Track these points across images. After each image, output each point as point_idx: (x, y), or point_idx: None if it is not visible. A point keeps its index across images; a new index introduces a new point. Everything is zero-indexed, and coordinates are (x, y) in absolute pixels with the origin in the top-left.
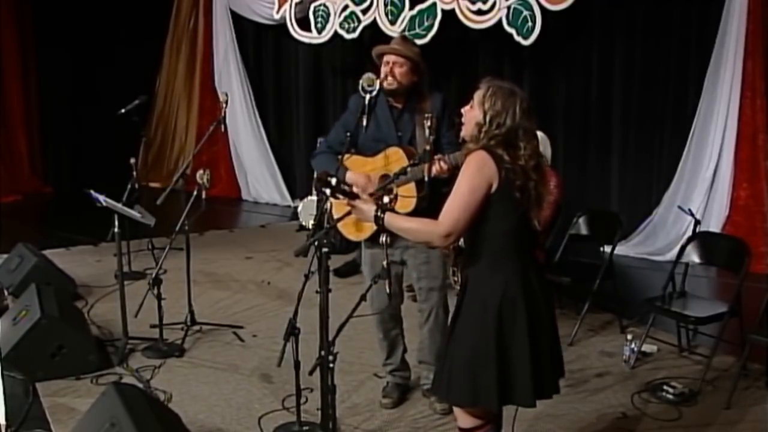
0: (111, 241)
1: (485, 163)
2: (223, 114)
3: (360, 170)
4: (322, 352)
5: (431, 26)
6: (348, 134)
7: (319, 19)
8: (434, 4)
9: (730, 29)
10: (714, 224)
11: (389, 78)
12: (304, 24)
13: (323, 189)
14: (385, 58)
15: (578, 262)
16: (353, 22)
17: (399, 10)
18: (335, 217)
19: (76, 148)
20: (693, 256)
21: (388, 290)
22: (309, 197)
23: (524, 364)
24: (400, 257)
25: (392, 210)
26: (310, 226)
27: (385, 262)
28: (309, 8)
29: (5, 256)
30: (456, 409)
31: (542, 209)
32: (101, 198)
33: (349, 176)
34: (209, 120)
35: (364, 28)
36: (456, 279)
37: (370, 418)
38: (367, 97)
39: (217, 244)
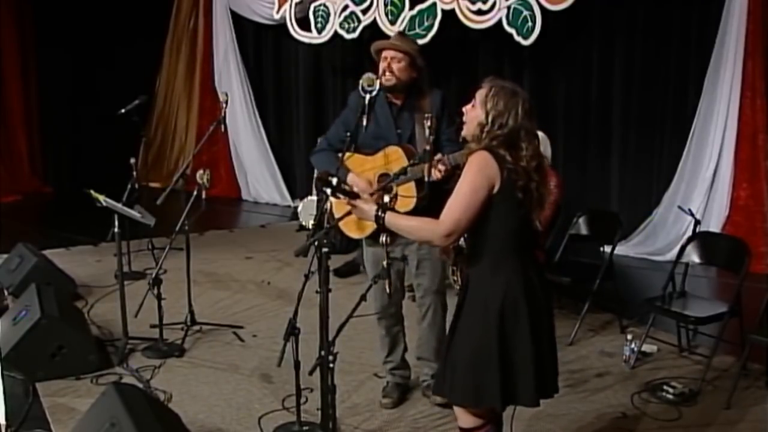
0: (111, 241)
1: (488, 163)
2: (223, 114)
3: (360, 169)
4: (322, 352)
5: (431, 26)
6: (348, 133)
7: (319, 19)
8: (434, 4)
9: (730, 29)
10: (714, 224)
11: (387, 73)
12: (304, 24)
13: (324, 188)
14: (383, 53)
15: (578, 262)
16: (353, 22)
17: (399, 10)
18: (336, 216)
19: (76, 148)
20: (693, 256)
21: (388, 290)
22: (309, 197)
23: (527, 363)
24: (401, 253)
25: (393, 209)
26: (310, 226)
27: (385, 262)
28: (309, 8)
29: (5, 256)
30: (457, 409)
31: (543, 209)
32: (101, 198)
33: (350, 178)
34: (209, 120)
35: (364, 28)
36: (456, 279)
37: (370, 418)
38: (367, 97)
39: (217, 244)
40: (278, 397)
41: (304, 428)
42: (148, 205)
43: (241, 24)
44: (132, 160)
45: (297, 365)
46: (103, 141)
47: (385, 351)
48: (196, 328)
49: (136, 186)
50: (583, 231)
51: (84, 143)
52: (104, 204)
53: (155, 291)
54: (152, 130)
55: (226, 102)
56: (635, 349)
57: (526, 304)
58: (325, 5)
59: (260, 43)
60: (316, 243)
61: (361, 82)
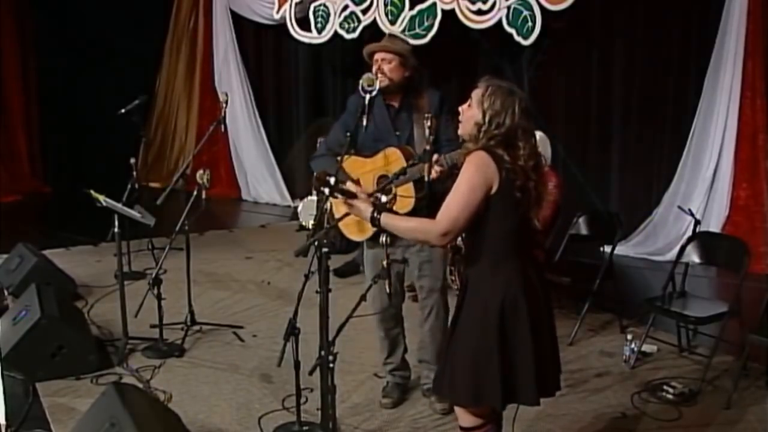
0: (111, 241)
1: (486, 163)
2: (223, 114)
3: (359, 171)
4: (322, 352)
5: (431, 26)
6: (348, 134)
7: (319, 19)
8: (434, 4)
9: (730, 29)
10: (714, 224)
11: (379, 76)
12: (304, 24)
13: (322, 188)
14: (375, 56)
15: (578, 262)
16: (353, 22)
17: (399, 10)
18: (335, 216)
19: (76, 148)
20: (693, 256)
21: (388, 290)
22: (309, 197)
23: (528, 362)
24: (401, 255)
25: (390, 210)
26: (310, 226)
27: (385, 262)
28: (309, 8)
29: (5, 256)
30: (457, 409)
31: (542, 209)
32: (101, 198)
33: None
34: (209, 120)
35: (364, 28)
36: (453, 279)
37: (370, 418)
38: (367, 97)
39: (217, 244)
40: (278, 397)
41: (304, 428)
42: (148, 205)
43: (241, 24)
44: (132, 160)
45: (297, 365)
46: (103, 141)
47: (385, 353)
48: (196, 328)
49: (136, 186)
50: (583, 231)
51: (84, 143)
52: (104, 204)
53: (155, 291)
54: (152, 130)
55: (226, 102)
56: (635, 349)
57: (525, 304)
58: (325, 5)
59: (260, 43)
60: (316, 243)
61: (361, 82)
